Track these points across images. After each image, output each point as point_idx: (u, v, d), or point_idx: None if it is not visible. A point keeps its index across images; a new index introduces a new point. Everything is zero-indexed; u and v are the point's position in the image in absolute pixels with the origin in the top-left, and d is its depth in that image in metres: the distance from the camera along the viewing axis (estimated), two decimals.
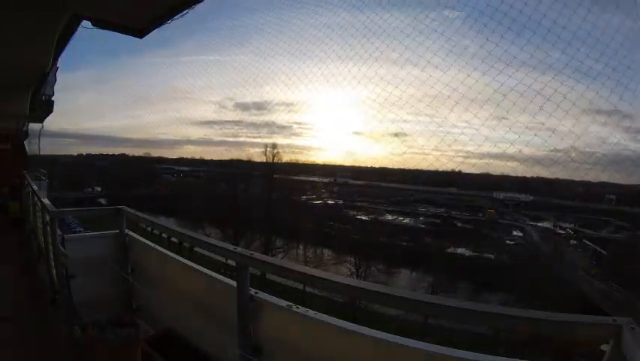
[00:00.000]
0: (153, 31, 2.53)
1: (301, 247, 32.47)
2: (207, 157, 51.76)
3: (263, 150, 38.01)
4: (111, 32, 2.56)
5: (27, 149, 9.66)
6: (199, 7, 2.15)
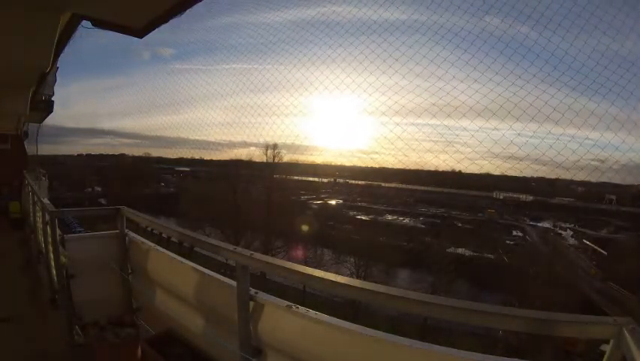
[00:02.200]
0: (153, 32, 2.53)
1: (301, 247, 32.46)
2: (207, 157, 51.73)
3: (263, 149, 37.98)
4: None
5: (27, 149, 9.66)
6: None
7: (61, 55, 3.43)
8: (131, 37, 2.58)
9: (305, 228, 31.50)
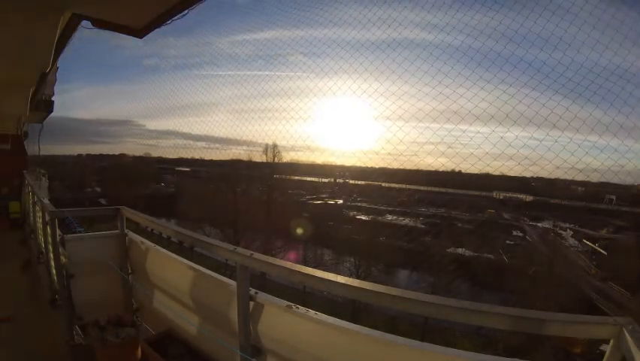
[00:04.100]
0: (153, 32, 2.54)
1: (300, 248, 32.45)
2: (207, 157, 52.15)
3: (263, 149, 37.99)
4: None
5: (27, 149, 9.65)
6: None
7: (61, 55, 3.43)
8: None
9: (305, 228, 31.49)
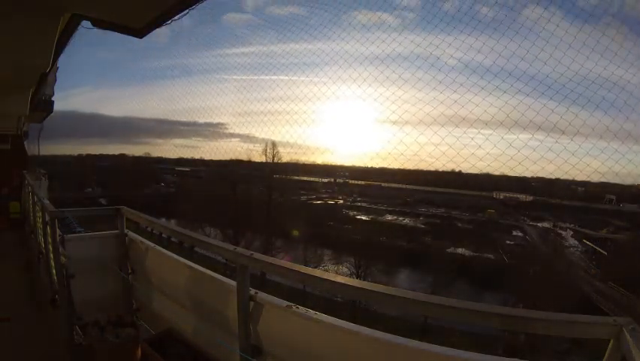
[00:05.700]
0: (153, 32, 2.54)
1: (301, 247, 32.42)
2: (207, 157, 52.19)
3: (263, 149, 37.92)
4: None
5: (27, 149, 9.65)
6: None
7: (61, 55, 3.43)
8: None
9: (305, 228, 31.45)
